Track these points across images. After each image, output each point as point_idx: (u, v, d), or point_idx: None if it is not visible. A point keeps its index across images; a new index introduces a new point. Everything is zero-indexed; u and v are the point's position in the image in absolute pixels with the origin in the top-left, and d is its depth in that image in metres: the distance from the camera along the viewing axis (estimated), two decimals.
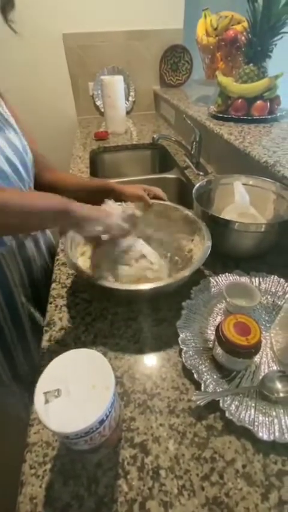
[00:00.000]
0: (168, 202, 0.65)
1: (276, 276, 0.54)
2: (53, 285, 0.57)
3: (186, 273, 0.46)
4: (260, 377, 0.39)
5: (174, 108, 1.36)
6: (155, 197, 0.66)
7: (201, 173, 1.00)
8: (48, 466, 0.33)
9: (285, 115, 0.98)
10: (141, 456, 0.33)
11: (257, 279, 0.55)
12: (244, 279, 0.54)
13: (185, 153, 1.13)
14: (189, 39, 1.49)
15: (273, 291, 0.53)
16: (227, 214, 0.65)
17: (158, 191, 0.66)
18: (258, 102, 0.93)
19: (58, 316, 0.51)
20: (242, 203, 0.65)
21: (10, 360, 0.61)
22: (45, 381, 0.27)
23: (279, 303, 0.51)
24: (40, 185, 0.65)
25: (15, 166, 0.52)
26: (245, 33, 0.99)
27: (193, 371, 0.39)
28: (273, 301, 0.51)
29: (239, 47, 1.09)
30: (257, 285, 0.54)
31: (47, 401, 0.26)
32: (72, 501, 0.30)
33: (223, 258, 0.62)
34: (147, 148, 1.34)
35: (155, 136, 0.94)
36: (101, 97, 1.60)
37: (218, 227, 0.57)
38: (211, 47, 1.21)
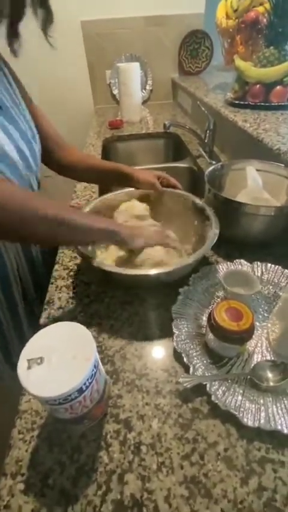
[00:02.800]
0: (179, 191, 0.64)
1: (280, 267, 0.52)
2: (56, 267, 0.58)
3: (189, 260, 0.45)
4: (252, 365, 0.39)
5: (191, 97, 1.32)
6: (169, 185, 0.65)
7: (213, 162, 0.97)
8: (36, 433, 0.34)
9: None
10: (125, 432, 0.34)
11: (259, 268, 0.53)
12: (246, 268, 0.53)
13: (198, 142, 1.10)
14: (210, 24, 1.43)
15: (276, 281, 0.51)
16: (240, 199, 0.63)
17: (172, 179, 0.65)
18: (278, 87, 0.88)
19: (58, 295, 0.52)
20: (255, 187, 0.63)
21: (2, 339, 0.62)
22: (30, 349, 0.29)
23: (280, 293, 0.49)
24: (58, 165, 0.67)
25: (25, 156, 0.54)
26: (266, 15, 0.94)
27: (183, 354, 0.39)
28: (275, 292, 0.50)
29: (260, 30, 1.03)
30: (259, 275, 0.52)
31: (29, 367, 0.27)
32: (55, 466, 0.31)
33: (228, 246, 0.60)
34: (160, 137, 1.32)
35: (166, 123, 0.92)
36: (117, 85, 1.59)
37: (230, 211, 0.56)
38: (231, 30, 1.15)
